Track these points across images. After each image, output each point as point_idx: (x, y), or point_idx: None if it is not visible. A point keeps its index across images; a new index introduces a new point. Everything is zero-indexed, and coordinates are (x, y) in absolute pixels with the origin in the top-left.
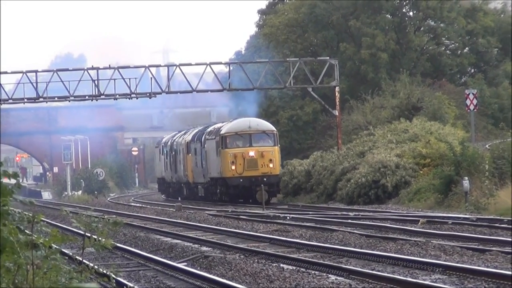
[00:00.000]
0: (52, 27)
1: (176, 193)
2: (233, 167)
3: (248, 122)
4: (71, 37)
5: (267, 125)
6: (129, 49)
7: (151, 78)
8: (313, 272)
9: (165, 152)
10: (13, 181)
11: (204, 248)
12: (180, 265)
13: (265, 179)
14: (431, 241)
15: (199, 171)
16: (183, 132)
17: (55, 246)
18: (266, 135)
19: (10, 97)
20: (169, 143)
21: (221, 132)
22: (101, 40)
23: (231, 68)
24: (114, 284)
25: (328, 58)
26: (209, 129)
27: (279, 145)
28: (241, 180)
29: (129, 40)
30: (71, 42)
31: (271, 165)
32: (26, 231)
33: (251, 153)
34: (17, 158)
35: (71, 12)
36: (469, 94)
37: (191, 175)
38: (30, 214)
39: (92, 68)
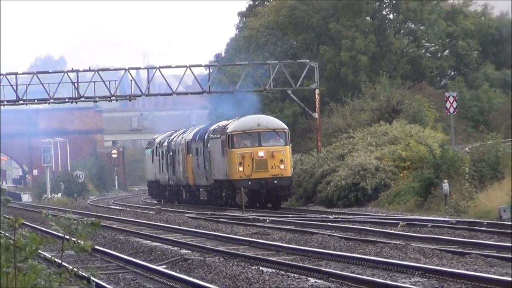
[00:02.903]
0: (33, 29)
1: (174, 197)
2: (241, 169)
3: (257, 120)
4: (51, 39)
5: (277, 123)
6: (109, 51)
7: (131, 80)
8: (292, 275)
9: (160, 152)
10: None
11: (183, 251)
12: (160, 268)
13: (275, 181)
14: (411, 244)
15: (202, 173)
16: (181, 131)
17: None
18: (277, 134)
19: None
20: (165, 143)
21: (228, 131)
22: (82, 42)
23: (211, 70)
24: (94, 287)
25: (308, 60)
26: (213, 127)
27: (290, 144)
28: (249, 182)
29: (110, 42)
30: (52, 44)
31: (282, 166)
32: (6, 234)
33: (261, 153)
34: None
35: (52, 14)
36: (449, 96)
37: (192, 177)
38: (8, 217)
39: (72, 71)
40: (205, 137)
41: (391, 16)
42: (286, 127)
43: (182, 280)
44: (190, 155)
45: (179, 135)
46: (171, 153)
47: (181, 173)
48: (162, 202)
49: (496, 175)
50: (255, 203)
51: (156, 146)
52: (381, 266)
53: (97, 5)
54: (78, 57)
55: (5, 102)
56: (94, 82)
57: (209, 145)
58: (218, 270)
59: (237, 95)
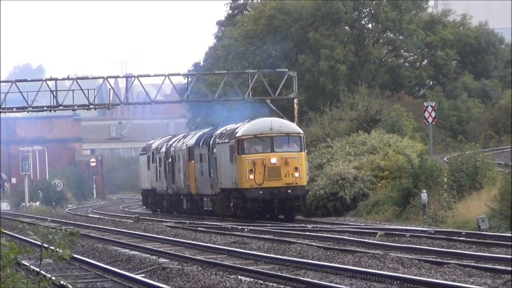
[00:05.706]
0: (11, 37)
1: (173, 207)
2: (252, 177)
3: (269, 123)
4: (30, 47)
5: (292, 126)
6: (88, 59)
7: (109, 89)
8: (271, 284)
9: (157, 159)
10: None
11: (162, 260)
12: (138, 277)
13: (289, 190)
14: (389, 254)
15: (206, 181)
16: (181, 136)
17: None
18: (291, 139)
19: None
20: (163, 148)
21: (237, 135)
22: (61, 50)
23: (189, 79)
24: None
25: (286, 70)
26: (219, 131)
27: (306, 150)
28: (261, 192)
29: (88, 50)
30: (30, 52)
31: (296, 174)
32: None
33: (273, 160)
34: None
35: (30, 22)
36: (427, 106)
37: (194, 186)
38: None
39: (51, 79)
40: (211, 142)
41: (370, 25)
42: (301, 131)
43: None
44: (193, 161)
45: (179, 140)
46: (170, 160)
47: (182, 181)
48: (159, 213)
49: (475, 185)
50: (266, 214)
51: (153, 152)
52: (359, 275)
53: (76, 13)
54: (56, 65)
55: None
56: (73, 90)
57: (215, 150)
58: (197, 279)
59: (215, 104)
